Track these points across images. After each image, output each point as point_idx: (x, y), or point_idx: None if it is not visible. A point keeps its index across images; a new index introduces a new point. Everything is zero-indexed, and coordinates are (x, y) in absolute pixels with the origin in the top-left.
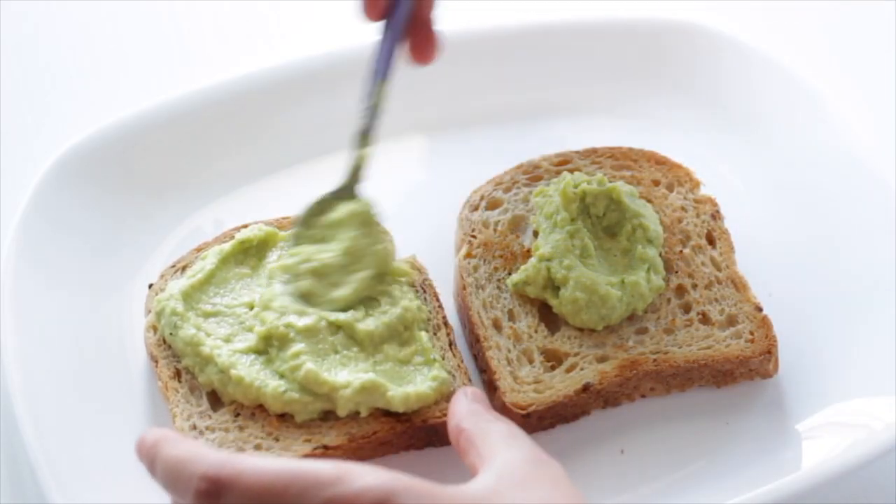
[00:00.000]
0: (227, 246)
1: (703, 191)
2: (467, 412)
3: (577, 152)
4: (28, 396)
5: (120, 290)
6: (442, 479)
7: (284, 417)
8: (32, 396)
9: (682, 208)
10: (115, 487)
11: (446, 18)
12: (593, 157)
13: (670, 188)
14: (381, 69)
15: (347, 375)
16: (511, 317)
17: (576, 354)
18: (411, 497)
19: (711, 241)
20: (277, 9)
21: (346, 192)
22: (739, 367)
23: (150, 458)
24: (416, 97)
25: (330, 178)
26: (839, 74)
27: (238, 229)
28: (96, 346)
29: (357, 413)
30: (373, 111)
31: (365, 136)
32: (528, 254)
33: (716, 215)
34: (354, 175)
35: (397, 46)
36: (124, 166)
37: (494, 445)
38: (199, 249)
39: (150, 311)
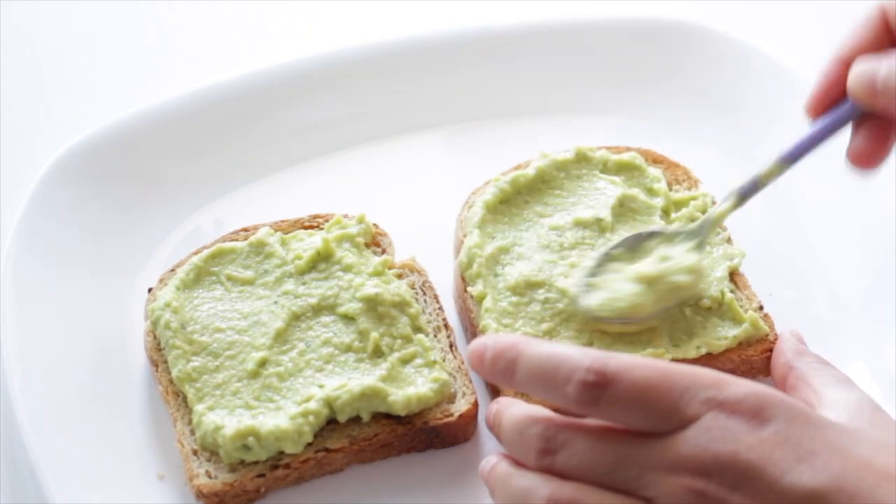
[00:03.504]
0: (212, 250)
1: (702, 189)
2: (795, 351)
3: None
4: (28, 397)
5: (120, 291)
6: (443, 479)
7: None
8: (32, 397)
9: None
10: (116, 488)
11: (443, 18)
12: None
13: (669, 186)
14: (793, 154)
15: (346, 381)
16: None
17: None
18: (785, 411)
19: None
20: (277, 9)
21: (691, 237)
22: (741, 365)
23: (511, 361)
24: (415, 98)
25: (330, 178)
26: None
27: (238, 232)
28: (97, 347)
29: (358, 417)
30: (758, 183)
31: (738, 200)
32: None
33: None
34: (708, 228)
35: (822, 143)
36: (124, 166)
37: (831, 386)
38: (197, 252)
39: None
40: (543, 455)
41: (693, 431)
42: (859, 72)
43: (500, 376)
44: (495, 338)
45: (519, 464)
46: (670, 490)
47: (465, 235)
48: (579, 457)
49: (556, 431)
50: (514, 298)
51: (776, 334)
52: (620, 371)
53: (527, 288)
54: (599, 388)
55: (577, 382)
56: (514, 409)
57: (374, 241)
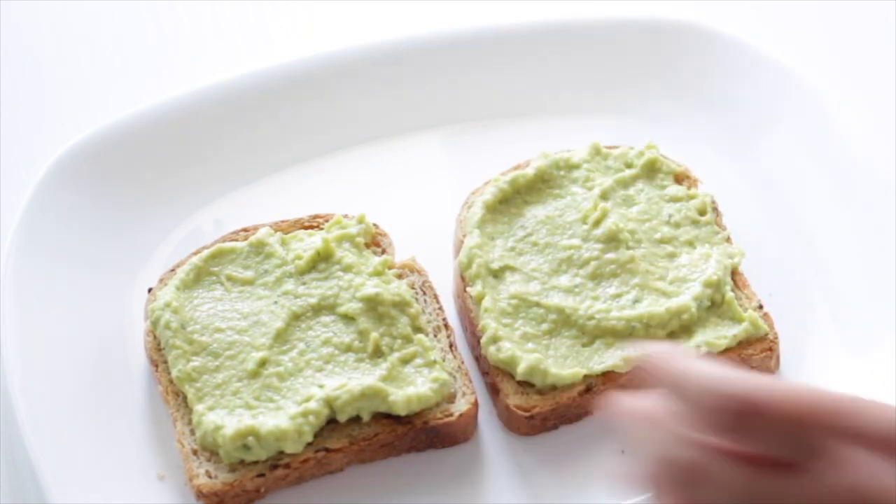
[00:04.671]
0: (212, 250)
1: (702, 189)
2: None
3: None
4: (28, 397)
5: (120, 291)
6: (443, 479)
7: None
8: (32, 397)
9: None
10: (116, 488)
11: (443, 18)
12: None
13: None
14: None
15: (347, 381)
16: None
17: None
18: None
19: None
20: (277, 9)
21: None
22: (741, 364)
23: (678, 371)
24: (415, 98)
25: (330, 178)
26: (839, 74)
27: (238, 232)
28: (97, 347)
29: (358, 417)
30: None
31: None
32: None
33: (714, 212)
34: None
35: None
36: (124, 166)
37: None
38: (197, 252)
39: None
40: (685, 485)
41: (843, 470)
42: None
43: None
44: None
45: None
46: None
47: (464, 235)
48: (726, 491)
49: (703, 460)
50: (514, 301)
51: (775, 333)
52: (767, 398)
53: (525, 305)
54: (747, 418)
55: (729, 410)
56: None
57: (374, 241)
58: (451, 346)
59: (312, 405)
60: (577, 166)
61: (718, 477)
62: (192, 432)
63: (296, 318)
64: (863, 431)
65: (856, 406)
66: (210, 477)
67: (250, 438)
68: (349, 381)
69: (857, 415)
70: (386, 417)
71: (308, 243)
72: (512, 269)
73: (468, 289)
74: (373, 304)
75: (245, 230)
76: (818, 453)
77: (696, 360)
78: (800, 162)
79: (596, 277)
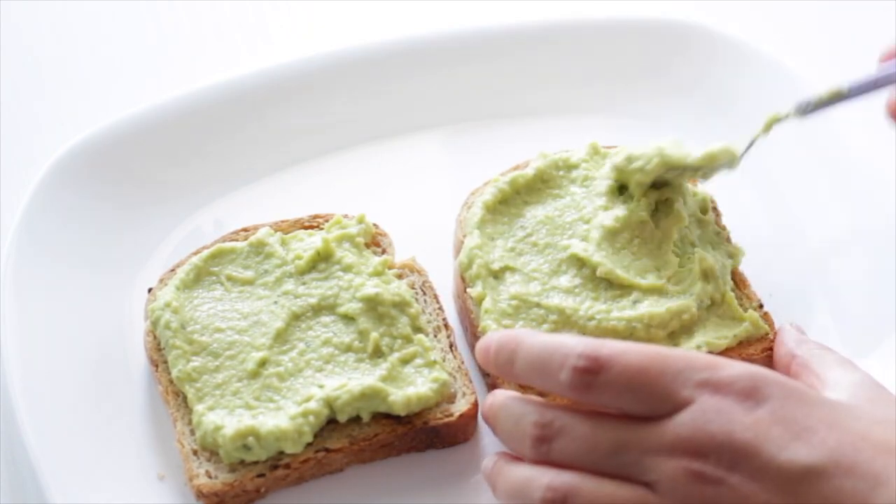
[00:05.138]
0: (212, 250)
1: (702, 189)
2: (797, 340)
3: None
4: (28, 397)
5: (120, 291)
6: (443, 479)
7: None
8: (33, 397)
9: None
10: (116, 488)
11: (444, 17)
12: None
13: None
14: (852, 90)
15: (346, 381)
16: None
17: None
18: (779, 390)
19: None
20: (277, 9)
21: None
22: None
23: (511, 352)
24: (415, 98)
25: (330, 178)
26: (839, 74)
27: (238, 232)
28: (97, 347)
29: (358, 417)
30: (811, 104)
31: (797, 113)
32: None
33: (714, 212)
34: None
35: (880, 88)
36: (124, 167)
37: (833, 368)
38: (197, 252)
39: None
40: (540, 443)
41: (688, 414)
42: None
43: (503, 368)
44: (501, 332)
45: (517, 459)
46: (670, 473)
47: (464, 236)
48: (577, 443)
49: (553, 417)
50: (515, 302)
51: (776, 333)
52: (613, 356)
53: (525, 306)
54: (592, 373)
55: (570, 368)
56: (509, 398)
57: (374, 241)
58: (451, 346)
59: (312, 405)
60: (576, 166)
61: (569, 429)
62: (192, 432)
63: (296, 318)
64: (712, 378)
65: (707, 358)
66: (210, 477)
67: (250, 438)
68: (349, 381)
69: (708, 364)
70: (386, 417)
71: (308, 243)
72: (512, 269)
73: (469, 290)
74: (373, 304)
75: (245, 230)
76: (669, 404)
77: (533, 332)
78: (800, 162)
79: (596, 278)
